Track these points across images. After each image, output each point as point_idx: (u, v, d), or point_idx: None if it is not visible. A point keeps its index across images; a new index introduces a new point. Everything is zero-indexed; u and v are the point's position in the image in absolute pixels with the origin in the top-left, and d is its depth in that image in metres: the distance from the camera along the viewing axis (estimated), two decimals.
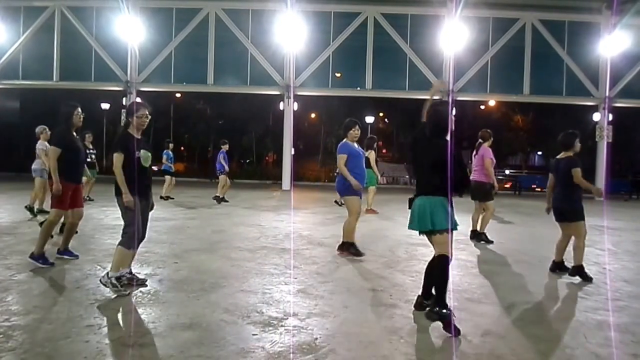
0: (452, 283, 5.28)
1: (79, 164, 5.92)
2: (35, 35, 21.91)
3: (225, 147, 14.38)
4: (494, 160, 8.31)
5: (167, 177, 14.28)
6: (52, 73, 21.95)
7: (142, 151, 4.67)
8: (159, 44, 21.70)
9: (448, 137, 4.08)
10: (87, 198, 12.05)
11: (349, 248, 6.75)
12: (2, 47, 21.66)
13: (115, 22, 21.03)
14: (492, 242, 8.10)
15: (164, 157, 14.50)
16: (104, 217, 9.58)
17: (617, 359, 3.47)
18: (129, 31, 20.74)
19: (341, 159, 6.60)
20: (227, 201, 14.05)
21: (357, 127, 6.73)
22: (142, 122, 4.72)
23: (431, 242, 4.11)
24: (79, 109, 5.81)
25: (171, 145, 14.80)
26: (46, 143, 8.64)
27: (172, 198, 14.03)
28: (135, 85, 21.58)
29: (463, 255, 7.06)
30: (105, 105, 31.83)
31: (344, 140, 6.76)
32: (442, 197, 3.94)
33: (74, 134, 5.85)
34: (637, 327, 4.14)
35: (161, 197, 13.63)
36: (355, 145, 6.79)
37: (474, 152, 8.47)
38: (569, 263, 6.03)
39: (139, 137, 4.76)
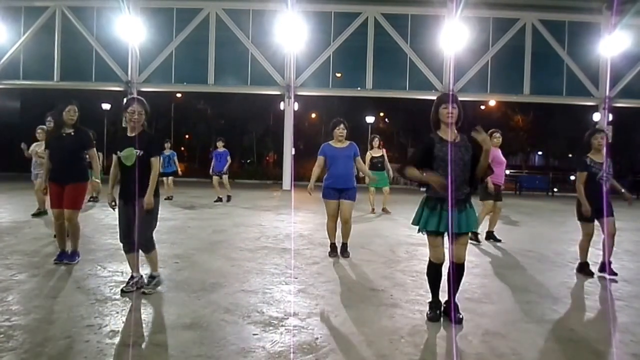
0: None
1: (57, 164, 5.70)
2: (35, 35, 21.92)
3: (219, 145, 14.11)
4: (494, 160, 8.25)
5: (165, 178, 14.21)
6: (52, 73, 21.96)
7: (124, 150, 4.55)
8: (160, 44, 21.71)
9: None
10: (91, 199, 12.15)
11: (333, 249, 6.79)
12: (2, 47, 21.66)
13: (115, 23, 21.04)
14: (480, 242, 8.08)
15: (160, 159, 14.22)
16: (104, 217, 9.61)
17: (617, 358, 3.48)
18: (130, 31, 20.74)
19: (317, 160, 6.61)
20: (221, 200, 14.04)
21: (341, 126, 6.56)
22: (130, 118, 4.56)
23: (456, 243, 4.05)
24: (71, 107, 5.65)
25: (166, 146, 14.61)
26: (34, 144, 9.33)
27: (170, 198, 13.95)
28: (135, 86, 21.58)
29: None
30: (106, 106, 31.83)
31: (329, 141, 6.70)
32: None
33: (70, 131, 5.72)
34: (637, 327, 4.15)
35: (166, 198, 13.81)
36: (340, 145, 6.57)
37: None
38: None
39: (132, 134, 4.62)
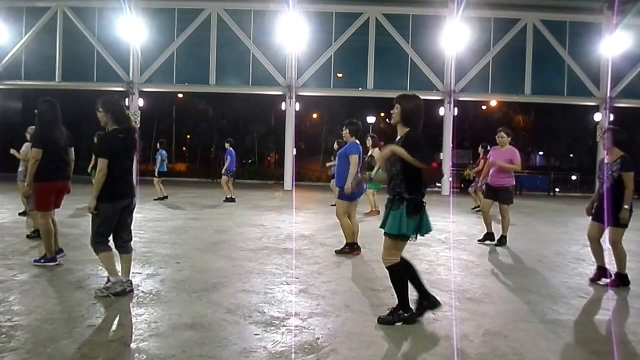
0: (454, 283, 5.31)
1: (63, 162, 5.75)
2: (37, 35, 21.94)
3: (227, 145, 14.35)
4: (489, 161, 8.18)
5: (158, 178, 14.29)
6: (54, 73, 21.97)
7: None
8: (161, 45, 21.71)
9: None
10: None
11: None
12: (4, 48, 21.68)
13: (117, 23, 21.05)
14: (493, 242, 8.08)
15: (159, 157, 14.36)
16: None
17: (617, 358, 3.48)
18: (131, 32, 20.76)
19: None
20: (233, 200, 14.09)
21: (343, 127, 7.04)
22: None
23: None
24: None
25: (158, 145, 14.62)
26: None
27: (165, 198, 13.99)
28: (137, 86, 21.60)
29: (464, 255, 7.08)
30: None
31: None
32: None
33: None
34: (637, 327, 4.15)
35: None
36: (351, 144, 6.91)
37: None
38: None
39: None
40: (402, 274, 3.99)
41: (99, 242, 4.49)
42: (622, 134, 5.75)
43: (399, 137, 3.99)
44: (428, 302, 4.07)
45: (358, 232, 7.01)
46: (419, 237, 3.96)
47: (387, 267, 3.98)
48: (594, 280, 5.68)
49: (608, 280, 5.55)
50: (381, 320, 3.97)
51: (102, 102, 4.64)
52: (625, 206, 5.34)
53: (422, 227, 3.88)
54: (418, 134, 3.93)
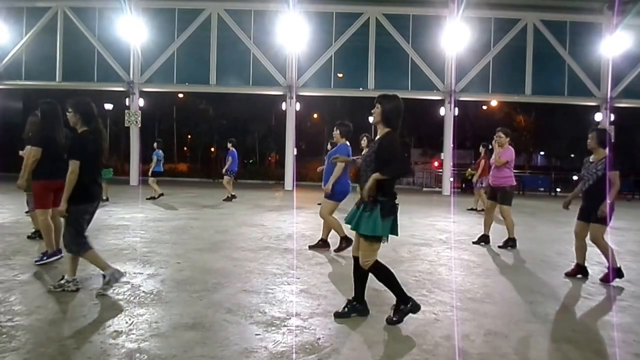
0: (455, 283, 5.31)
1: (61, 162, 5.68)
2: (38, 35, 21.96)
3: (229, 146, 14.50)
4: (489, 162, 8.23)
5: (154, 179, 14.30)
6: (54, 73, 21.99)
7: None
8: (162, 45, 21.73)
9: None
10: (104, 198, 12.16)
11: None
12: (5, 48, 21.71)
13: (117, 23, 21.09)
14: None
15: (155, 157, 14.33)
16: (107, 217, 9.60)
17: (619, 358, 3.47)
18: (132, 32, 20.79)
19: None
20: (230, 200, 14.20)
21: (334, 129, 7.33)
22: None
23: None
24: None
25: (154, 145, 14.67)
26: None
27: (161, 195, 14.03)
28: (137, 86, 21.62)
29: (466, 255, 7.07)
30: (108, 106, 31.86)
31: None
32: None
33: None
34: (639, 327, 4.14)
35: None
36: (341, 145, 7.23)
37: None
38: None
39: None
40: (385, 270, 4.04)
41: (82, 243, 4.57)
42: (607, 134, 5.87)
43: (377, 137, 4.08)
44: (361, 306, 4.21)
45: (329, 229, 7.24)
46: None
47: (368, 269, 4.04)
48: (570, 275, 5.95)
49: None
50: (390, 322, 3.96)
51: (72, 103, 4.68)
52: (608, 201, 5.47)
53: (395, 228, 3.99)
54: (396, 135, 4.02)
